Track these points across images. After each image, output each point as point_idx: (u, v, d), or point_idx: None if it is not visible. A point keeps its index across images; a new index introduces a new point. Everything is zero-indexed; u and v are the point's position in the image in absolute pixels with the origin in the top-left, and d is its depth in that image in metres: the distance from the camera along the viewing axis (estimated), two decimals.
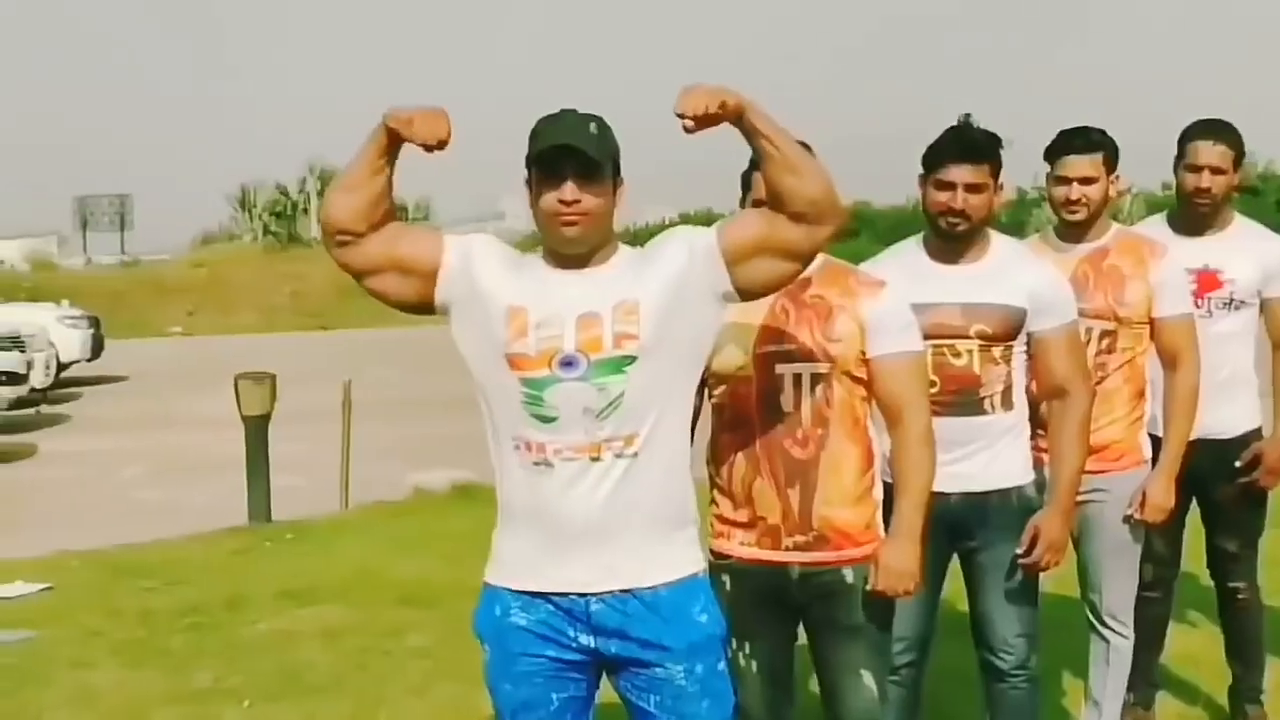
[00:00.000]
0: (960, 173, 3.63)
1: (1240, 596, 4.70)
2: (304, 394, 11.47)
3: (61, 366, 17.50)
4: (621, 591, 2.76)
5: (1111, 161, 4.21)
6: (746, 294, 2.84)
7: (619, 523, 2.74)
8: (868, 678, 3.28)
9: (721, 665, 2.87)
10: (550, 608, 2.79)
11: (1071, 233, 4.22)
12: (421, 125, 2.66)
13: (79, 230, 51.01)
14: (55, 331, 17.51)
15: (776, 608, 3.31)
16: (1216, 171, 4.45)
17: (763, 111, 2.72)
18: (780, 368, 3.23)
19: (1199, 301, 4.43)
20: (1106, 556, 4.23)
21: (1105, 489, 4.15)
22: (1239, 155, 4.52)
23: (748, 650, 3.33)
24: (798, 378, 3.23)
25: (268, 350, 18.12)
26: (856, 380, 3.26)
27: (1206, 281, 4.47)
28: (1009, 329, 3.70)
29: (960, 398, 3.67)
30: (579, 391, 2.71)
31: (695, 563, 2.85)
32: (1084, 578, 4.31)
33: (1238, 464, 4.53)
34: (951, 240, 3.71)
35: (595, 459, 2.72)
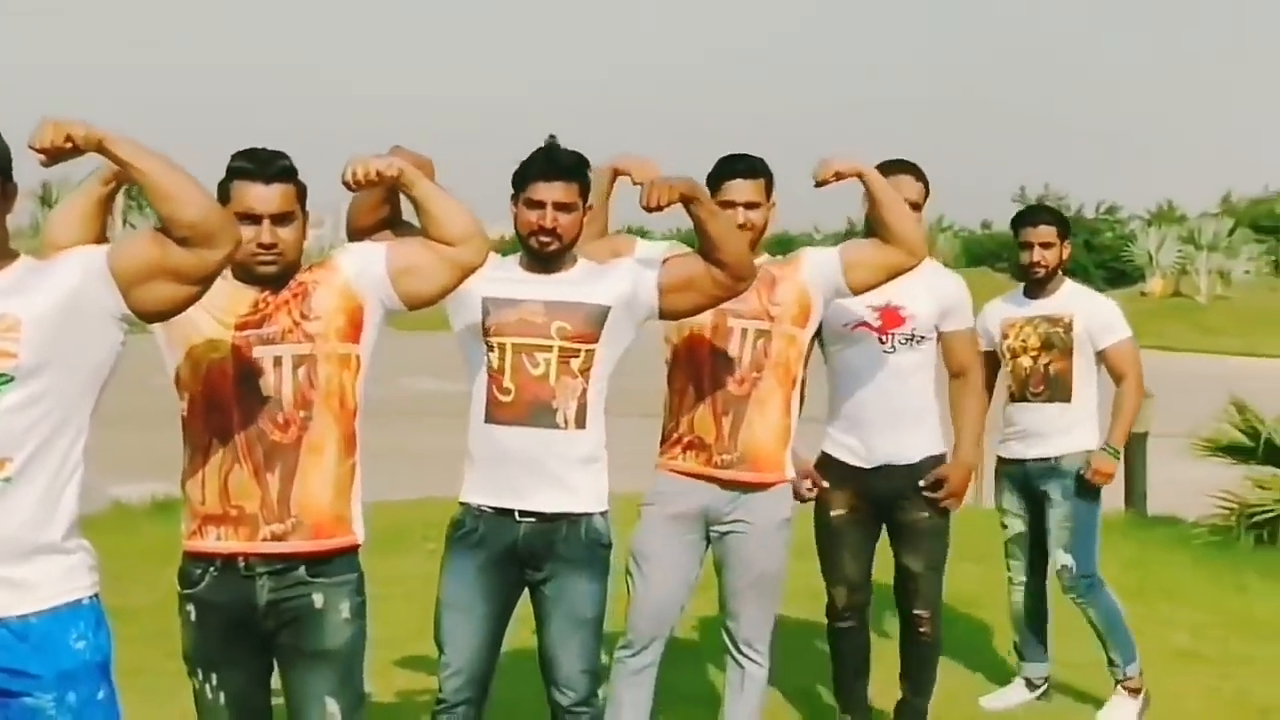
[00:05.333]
0: (550, 191, 3.67)
1: (922, 629, 4.77)
2: None
3: None
4: None
5: (770, 188, 4.23)
6: (145, 317, 2.78)
7: None
8: (332, 705, 3.22)
9: (102, 695, 2.74)
10: None
11: None
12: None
13: None
14: None
15: (245, 636, 3.24)
16: (912, 207, 4.53)
17: (127, 143, 2.68)
18: (259, 351, 3.20)
19: (883, 337, 4.62)
20: (746, 587, 4.25)
21: (747, 521, 4.19)
22: (927, 190, 4.71)
23: (214, 681, 3.26)
24: (278, 360, 3.19)
25: None
26: (344, 361, 3.24)
27: (890, 318, 4.63)
28: (591, 328, 3.70)
29: (534, 408, 3.67)
30: None
31: (77, 590, 2.72)
32: (723, 605, 4.33)
33: (921, 483, 4.67)
34: (543, 260, 3.74)
35: None
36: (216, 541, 3.20)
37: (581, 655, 3.71)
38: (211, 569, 3.21)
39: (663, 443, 4.25)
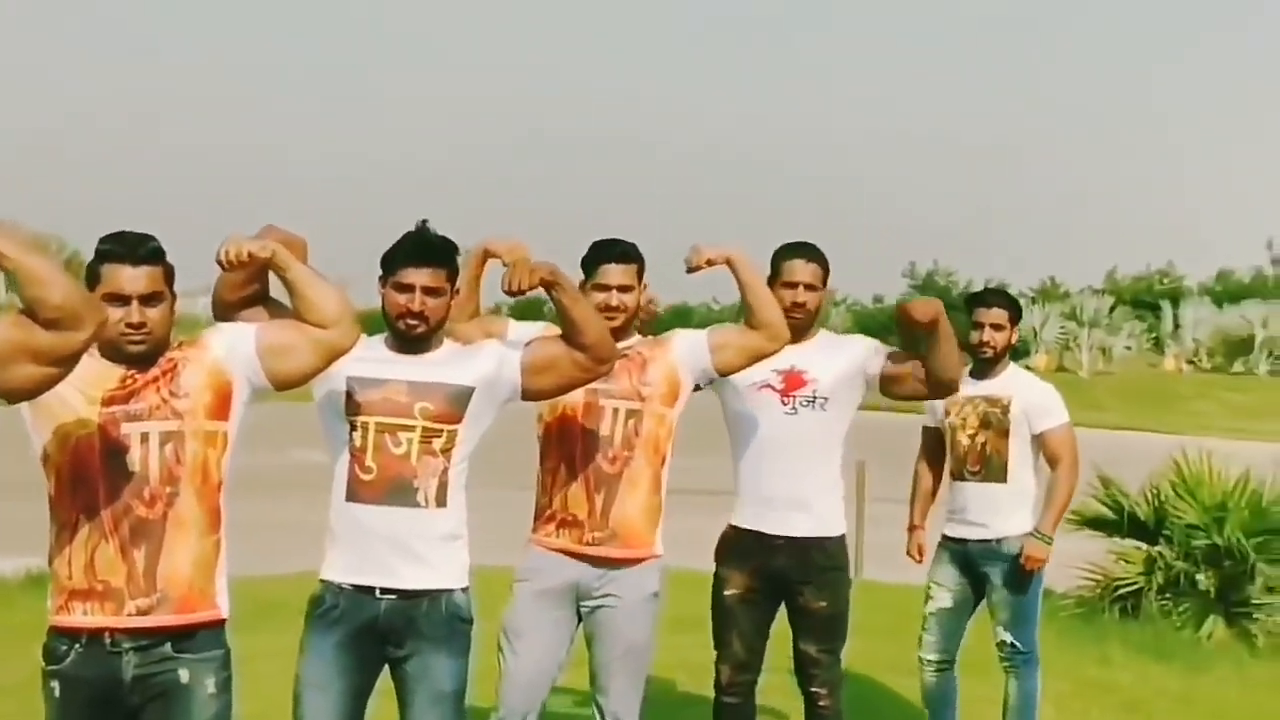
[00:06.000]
0: (419, 275, 3.75)
1: (821, 705, 4.78)
2: None
3: None
4: None
5: (642, 272, 4.38)
6: (8, 396, 2.88)
7: None
8: None
9: None
10: None
11: None
12: None
13: None
14: None
15: (111, 712, 3.28)
16: (810, 288, 4.69)
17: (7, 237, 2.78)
18: (127, 427, 3.24)
19: (785, 399, 4.66)
20: (615, 659, 4.34)
21: (617, 595, 4.29)
22: (827, 273, 4.78)
23: None
24: (145, 436, 3.24)
25: None
26: (211, 438, 3.30)
27: (792, 380, 4.68)
28: (454, 409, 3.78)
29: (395, 487, 3.73)
30: None
31: None
32: (593, 679, 4.41)
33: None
34: (409, 341, 3.81)
35: None
36: (83, 616, 3.23)
37: None
38: (77, 645, 3.24)
39: (536, 519, 4.35)
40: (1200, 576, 8.35)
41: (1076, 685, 6.93)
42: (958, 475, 5.51)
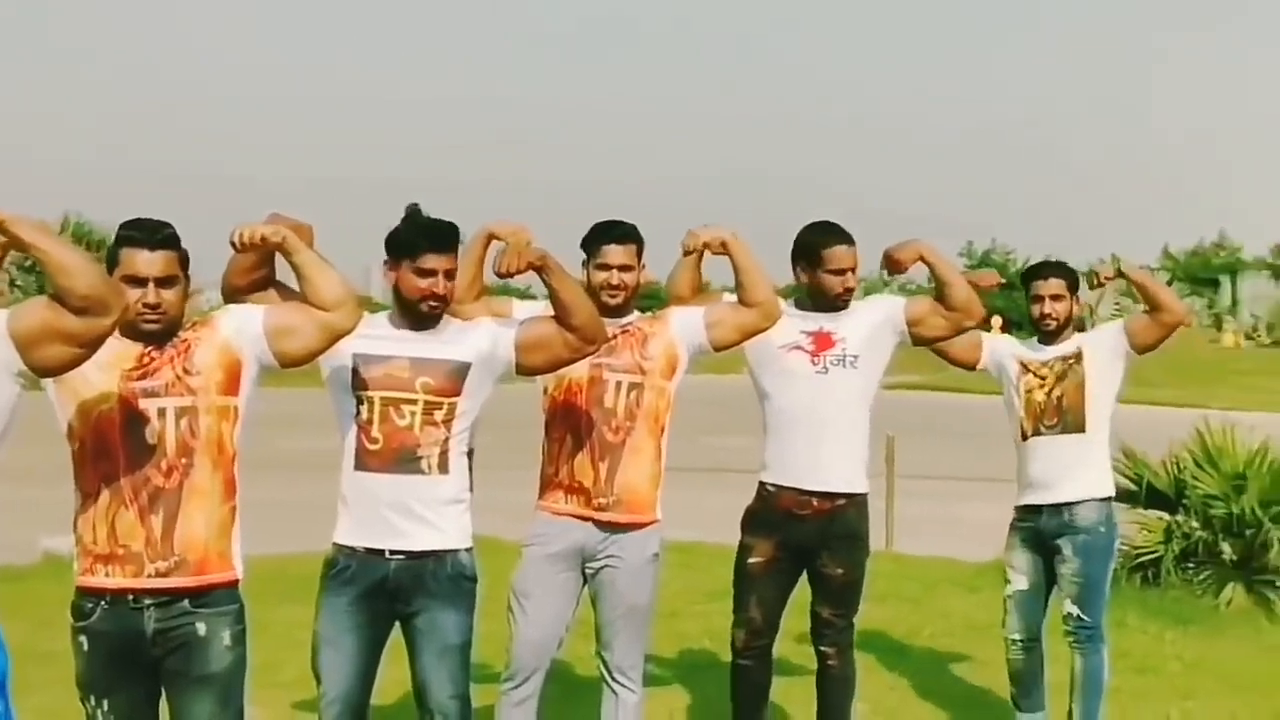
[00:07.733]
0: (439, 261, 3.98)
1: (830, 663, 5.00)
2: None
3: None
4: None
5: (641, 251, 4.59)
6: (40, 373, 3.13)
7: None
8: None
9: None
10: None
11: (609, 313, 4.49)
12: None
13: None
14: None
15: (132, 664, 3.54)
16: (854, 271, 4.92)
17: (28, 224, 3.06)
18: (145, 402, 3.49)
19: (815, 359, 4.85)
20: (618, 619, 4.59)
21: (619, 556, 4.53)
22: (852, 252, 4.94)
23: (105, 707, 3.56)
24: (162, 411, 3.49)
25: None
26: (223, 412, 3.54)
27: (822, 341, 4.89)
28: (453, 383, 4.02)
29: (400, 456, 3.98)
30: None
31: None
32: (598, 636, 4.67)
33: None
34: (412, 318, 4.05)
35: None
36: (106, 578, 3.50)
37: (452, 681, 4.00)
38: (102, 603, 3.51)
39: (542, 488, 4.59)
40: (1225, 545, 8.44)
41: None
42: (1032, 433, 5.48)
